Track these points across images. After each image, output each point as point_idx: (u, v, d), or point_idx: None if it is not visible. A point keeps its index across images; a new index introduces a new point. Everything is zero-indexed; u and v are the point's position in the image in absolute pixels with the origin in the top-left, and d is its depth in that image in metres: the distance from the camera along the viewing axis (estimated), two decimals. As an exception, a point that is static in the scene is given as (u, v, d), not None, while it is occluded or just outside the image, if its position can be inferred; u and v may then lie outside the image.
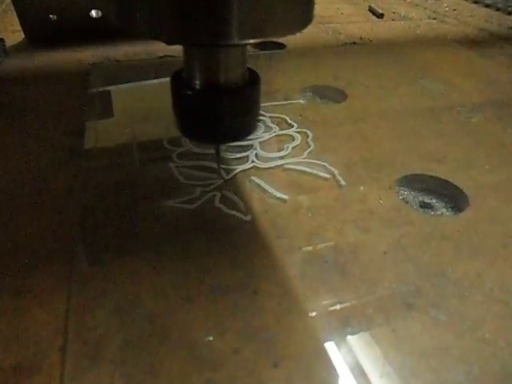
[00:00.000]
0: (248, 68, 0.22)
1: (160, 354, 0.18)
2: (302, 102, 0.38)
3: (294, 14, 0.18)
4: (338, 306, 0.20)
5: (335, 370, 0.18)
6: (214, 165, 0.29)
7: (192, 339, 0.18)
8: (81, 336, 0.18)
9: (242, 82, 0.22)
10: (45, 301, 0.20)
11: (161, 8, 0.17)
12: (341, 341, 0.19)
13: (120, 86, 0.40)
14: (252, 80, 0.22)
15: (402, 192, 0.28)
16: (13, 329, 0.19)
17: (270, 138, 0.32)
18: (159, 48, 0.48)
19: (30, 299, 0.20)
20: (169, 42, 0.18)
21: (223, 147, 0.31)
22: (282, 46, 0.52)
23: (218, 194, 0.26)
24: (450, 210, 0.27)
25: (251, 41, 0.18)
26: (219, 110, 0.21)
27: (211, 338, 0.18)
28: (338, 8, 0.69)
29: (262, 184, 0.27)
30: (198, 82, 0.21)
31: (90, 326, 0.19)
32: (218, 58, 0.20)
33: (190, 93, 0.21)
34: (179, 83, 0.22)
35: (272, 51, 0.50)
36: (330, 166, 0.29)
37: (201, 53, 0.20)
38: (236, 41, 0.17)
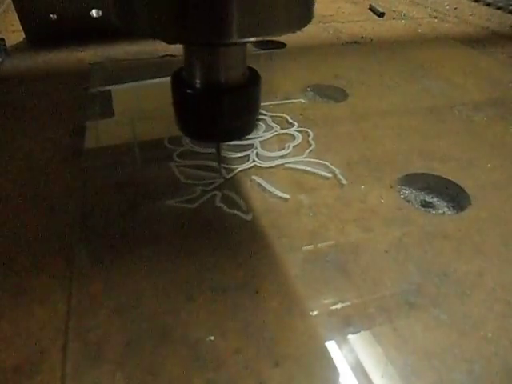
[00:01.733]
0: (248, 67, 0.22)
1: (161, 354, 0.18)
2: (302, 101, 0.38)
3: (294, 12, 0.18)
4: (339, 306, 0.20)
5: (336, 369, 0.17)
6: (215, 164, 0.29)
7: (193, 339, 0.18)
8: (82, 336, 0.18)
9: (243, 81, 0.22)
10: (45, 301, 0.20)
11: (161, 7, 0.16)
12: (342, 340, 0.19)
13: (120, 85, 0.40)
14: (252, 79, 0.22)
15: (404, 191, 0.28)
16: (14, 329, 0.19)
17: (271, 138, 0.32)
18: (159, 48, 0.48)
19: (30, 299, 0.20)
20: (169, 41, 0.18)
21: (224, 146, 0.31)
22: (282, 45, 0.51)
23: (219, 194, 0.26)
24: (451, 209, 0.27)
25: (251, 39, 0.18)
26: (219, 109, 0.21)
27: (212, 338, 0.18)
28: (338, 7, 0.69)
29: (263, 183, 0.27)
30: (198, 81, 0.21)
31: (91, 326, 0.19)
32: (218, 56, 0.20)
33: (190, 92, 0.21)
34: (179, 82, 0.21)
35: (273, 50, 0.50)
36: (331, 165, 0.29)
37: (201, 52, 0.20)
38: (236, 39, 0.17)
